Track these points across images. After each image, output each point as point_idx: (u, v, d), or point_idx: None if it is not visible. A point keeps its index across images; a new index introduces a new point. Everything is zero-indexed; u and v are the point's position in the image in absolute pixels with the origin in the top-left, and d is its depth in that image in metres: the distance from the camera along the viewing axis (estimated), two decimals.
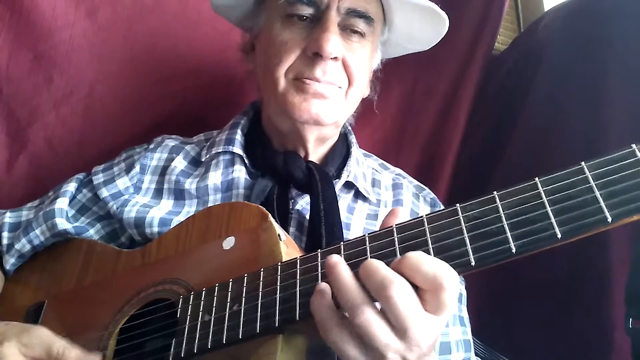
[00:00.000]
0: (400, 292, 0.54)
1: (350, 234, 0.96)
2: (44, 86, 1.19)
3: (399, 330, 0.55)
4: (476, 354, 1.08)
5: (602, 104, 1.13)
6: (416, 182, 1.14)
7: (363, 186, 1.03)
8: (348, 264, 0.61)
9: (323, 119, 0.93)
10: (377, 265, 0.57)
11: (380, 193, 1.06)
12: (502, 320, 1.16)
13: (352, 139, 1.11)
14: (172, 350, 0.69)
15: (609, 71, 1.13)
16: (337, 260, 0.60)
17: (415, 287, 0.57)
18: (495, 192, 0.58)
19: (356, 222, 0.99)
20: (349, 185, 1.03)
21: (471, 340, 0.99)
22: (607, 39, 1.15)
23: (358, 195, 1.03)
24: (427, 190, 1.12)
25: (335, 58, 0.92)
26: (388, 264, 0.58)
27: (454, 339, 0.94)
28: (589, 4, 1.25)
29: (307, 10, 0.92)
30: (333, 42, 0.89)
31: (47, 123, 1.21)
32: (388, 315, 0.55)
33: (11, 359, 0.69)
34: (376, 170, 1.12)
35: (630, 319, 0.76)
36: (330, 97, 0.93)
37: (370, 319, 0.56)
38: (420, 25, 1.02)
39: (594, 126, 1.13)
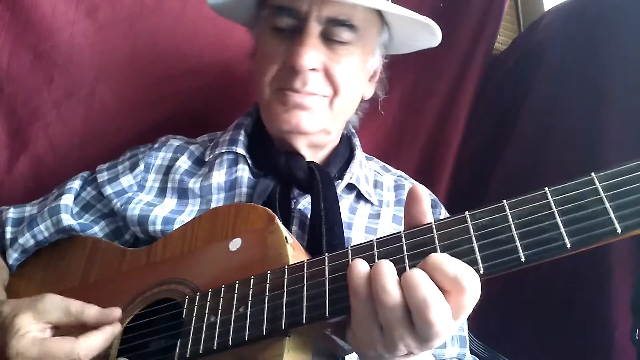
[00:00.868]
0: (439, 316, 0.54)
1: (352, 233, 0.97)
2: (45, 86, 1.19)
3: (424, 339, 0.56)
4: (476, 354, 1.08)
5: (602, 104, 1.13)
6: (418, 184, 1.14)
7: (365, 189, 1.04)
8: None
9: (305, 129, 0.94)
10: (419, 281, 0.55)
11: (382, 194, 1.07)
12: (502, 320, 1.16)
13: (356, 141, 1.12)
14: (177, 350, 0.70)
15: (609, 71, 1.13)
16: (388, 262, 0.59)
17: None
18: (504, 201, 0.58)
19: (358, 221, 1.00)
20: (351, 187, 1.04)
21: (467, 337, 1.00)
22: (607, 39, 1.15)
23: (360, 197, 1.04)
24: (429, 191, 1.13)
25: (314, 69, 0.91)
26: (399, 270, 0.58)
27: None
28: (589, 4, 1.25)
29: (288, 22, 0.92)
30: (307, 55, 0.89)
31: (48, 123, 1.21)
32: (417, 329, 0.56)
33: (28, 327, 0.69)
34: (378, 173, 1.13)
35: (637, 330, 0.76)
36: (313, 107, 0.94)
37: (402, 336, 0.57)
38: (414, 30, 1.01)
39: (593, 126, 1.13)
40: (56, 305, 0.71)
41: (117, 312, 0.73)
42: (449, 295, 0.55)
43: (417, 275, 0.56)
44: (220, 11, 1.06)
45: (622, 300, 0.97)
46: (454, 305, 0.55)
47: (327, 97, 0.95)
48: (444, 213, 1.10)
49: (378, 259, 0.61)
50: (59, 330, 0.73)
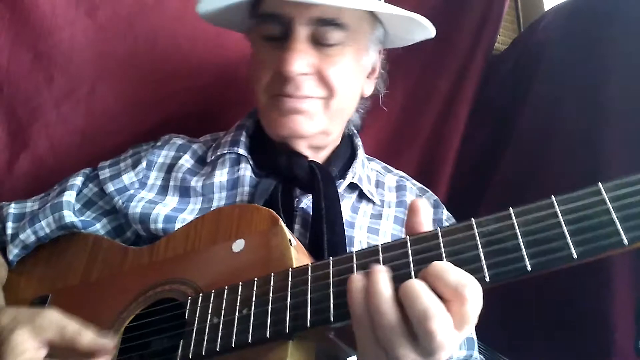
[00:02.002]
0: (440, 326, 0.54)
1: (354, 232, 0.98)
2: (45, 85, 1.18)
3: (427, 352, 0.56)
4: None
5: (601, 104, 1.13)
6: (419, 185, 1.15)
7: (367, 188, 1.05)
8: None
9: (303, 132, 0.95)
10: (420, 291, 0.56)
11: (384, 194, 1.07)
12: (502, 320, 1.16)
13: (358, 141, 1.12)
14: (179, 351, 0.69)
15: (609, 71, 1.14)
16: (383, 269, 0.59)
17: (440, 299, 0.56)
18: (511, 209, 0.58)
19: (360, 220, 1.00)
20: (353, 187, 1.04)
21: (475, 339, 1.00)
22: (607, 39, 1.15)
23: (362, 196, 1.04)
24: (430, 192, 1.14)
25: (305, 74, 0.91)
26: (404, 276, 0.58)
27: None
28: (589, 4, 1.26)
29: (275, 29, 0.92)
30: (294, 61, 0.88)
31: (48, 122, 1.20)
32: (421, 340, 0.55)
33: (24, 345, 0.67)
34: (380, 173, 1.14)
35: None
36: (309, 110, 0.94)
37: (406, 354, 0.56)
38: (408, 24, 0.99)
39: (593, 126, 1.14)
40: (54, 324, 0.69)
41: (110, 344, 0.70)
42: (451, 304, 0.56)
43: (417, 286, 0.56)
44: (216, 22, 1.05)
45: (623, 302, 0.97)
46: (456, 316, 0.55)
47: (322, 98, 0.95)
48: (446, 213, 1.10)
49: (383, 265, 0.61)
50: (53, 350, 0.70)
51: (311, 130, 0.95)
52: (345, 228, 0.94)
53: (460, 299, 0.54)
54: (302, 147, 0.99)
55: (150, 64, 1.28)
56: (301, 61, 0.89)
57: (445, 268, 0.56)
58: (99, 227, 1.00)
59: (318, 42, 0.92)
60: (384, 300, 0.57)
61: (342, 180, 1.02)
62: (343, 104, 0.98)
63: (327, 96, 0.95)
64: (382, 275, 0.59)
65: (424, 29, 1.00)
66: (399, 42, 1.09)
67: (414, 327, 0.55)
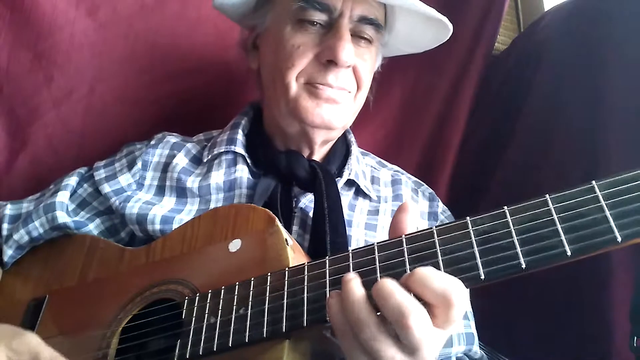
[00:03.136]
0: (417, 321, 0.54)
1: (352, 231, 0.98)
2: (44, 85, 1.18)
3: (410, 349, 0.55)
4: None
5: (602, 104, 1.13)
6: (414, 178, 1.16)
7: (364, 184, 1.05)
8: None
9: (334, 123, 0.95)
10: (391, 289, 0.56)
11: (379, 189, 1.08)
12: (502, 320, 1.16)
13: (352, 138, 1.13)
14: (176, 351, 0.70)
15: (609, 71, 1.13)
16: (352, 277, 0.59)
17: (424, 302, 0.56)
18: (505, 207, 0.58)
19: (358, 218, 1.00)
20: (350, 183, 1.04)
21: (475, 334, 1.00)
22: (607, 39, 1.15)
23: (359, 192, 1.05)
24: (425, 185, 1.15)
25: (349, 65, 0.93)
26: (397, 277, 0.58)
27: (456, 332, 0.95)
28: (589, 4, 1.25)
29: (319, 17, 0.93)
30: (348, 51, 0.90)
31: (48, 122, 1.20)
32: (401, 338, 0.55)
33: None
34: (374, 168, 1.14)
35: (635, 337, 0.77)
36: (341, 102, 0.95)
37: (375, 337, 0.56)
38: (422, 31, 1.03)
39: (593, 126, 1.13)
40: (29, 349, 0.69)
41: None
42: (436, 308, 0.56)
43: (388, 284, 0.56)
44: (221, 7, 1.05)
45: (622, 302, 0.97)
46: (440, 318, 0.56)
47: (352, 92, 0.97)
48: (441, 206, 1.11)
49: (379, 263, 0.61)
50: None
51: (341, 122, 0.97)
52: None
53: (447, 304, 0.55)
54: (320, 139, 1.00)
55: (150, 64, 1.28)
56: (352, 52, 0.92)
57: (428, 274, 0.56)
58: (92, 228, 1.00)
59: (355, 38, 0.95)
60: (358, 308, 0.57)
61: (339, 177, 1.02)
62: (362, 101, 1.02)
63: (355, 90, 0.98)
64: (354, 282, 0.59)
65: (429, 38, 1.06)
66: (388, 52, 1.15)
67: (393, 326, 0.55)
